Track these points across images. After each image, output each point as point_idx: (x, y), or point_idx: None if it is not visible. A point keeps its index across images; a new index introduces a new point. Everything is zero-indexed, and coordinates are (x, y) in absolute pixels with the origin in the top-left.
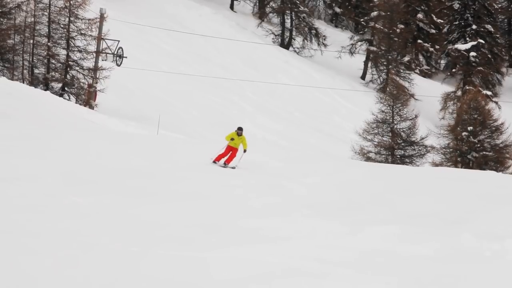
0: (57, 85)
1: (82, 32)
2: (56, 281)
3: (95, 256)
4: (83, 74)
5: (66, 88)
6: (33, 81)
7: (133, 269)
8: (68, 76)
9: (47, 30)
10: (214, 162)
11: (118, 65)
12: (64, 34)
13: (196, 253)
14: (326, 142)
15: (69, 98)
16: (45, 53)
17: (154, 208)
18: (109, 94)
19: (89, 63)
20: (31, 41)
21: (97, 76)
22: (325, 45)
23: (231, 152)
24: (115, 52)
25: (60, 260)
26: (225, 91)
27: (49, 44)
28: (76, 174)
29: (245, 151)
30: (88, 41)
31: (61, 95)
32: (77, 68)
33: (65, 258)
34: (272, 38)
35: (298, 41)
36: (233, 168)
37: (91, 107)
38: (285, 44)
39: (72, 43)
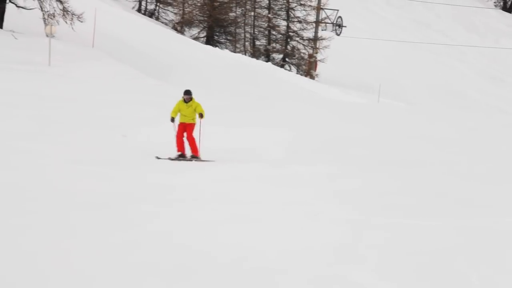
0: (278, 56)
1: (302, 2)
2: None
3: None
4: (303, 45)
5: (286, 59)
6: (255, 53)
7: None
8: (288, 47)
9: (267, 1)
10: (179, 156)
11: (338, 35)
12: (284, 5)
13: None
14: None
15: (290, 68)
16: (266, 24)
17: (387, 176)
18: (329, 63)
19: (308, 33)
20: (252, 13)
21: (317, 46)
22: None
23: (185, 132)
24: (335, 22)
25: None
26: (445, 57)
27: (269, 15)
28: (297, 142)
29: (201, 116)
30: (308, 11)
31: (282, 66)
32: (297, 38)
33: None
34: (494, 2)
35: None
36: (192, 160)
37: (312, 77)
38: (508, 7)
39: (291, 14)
